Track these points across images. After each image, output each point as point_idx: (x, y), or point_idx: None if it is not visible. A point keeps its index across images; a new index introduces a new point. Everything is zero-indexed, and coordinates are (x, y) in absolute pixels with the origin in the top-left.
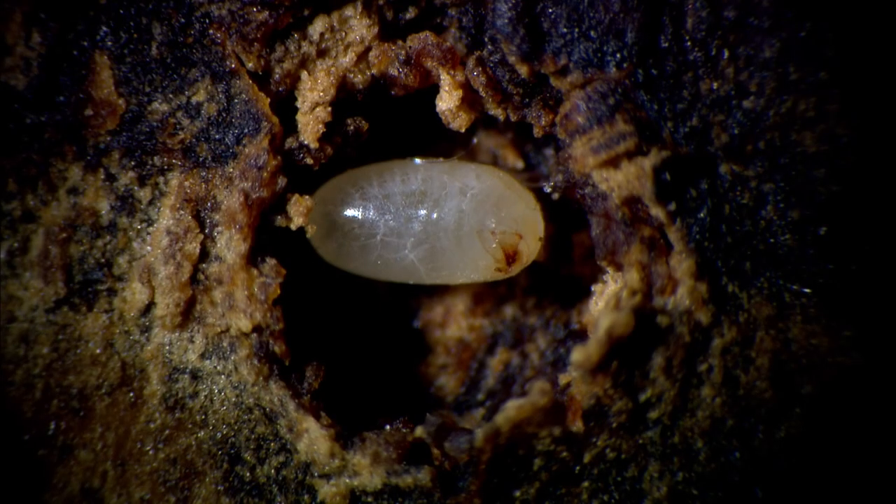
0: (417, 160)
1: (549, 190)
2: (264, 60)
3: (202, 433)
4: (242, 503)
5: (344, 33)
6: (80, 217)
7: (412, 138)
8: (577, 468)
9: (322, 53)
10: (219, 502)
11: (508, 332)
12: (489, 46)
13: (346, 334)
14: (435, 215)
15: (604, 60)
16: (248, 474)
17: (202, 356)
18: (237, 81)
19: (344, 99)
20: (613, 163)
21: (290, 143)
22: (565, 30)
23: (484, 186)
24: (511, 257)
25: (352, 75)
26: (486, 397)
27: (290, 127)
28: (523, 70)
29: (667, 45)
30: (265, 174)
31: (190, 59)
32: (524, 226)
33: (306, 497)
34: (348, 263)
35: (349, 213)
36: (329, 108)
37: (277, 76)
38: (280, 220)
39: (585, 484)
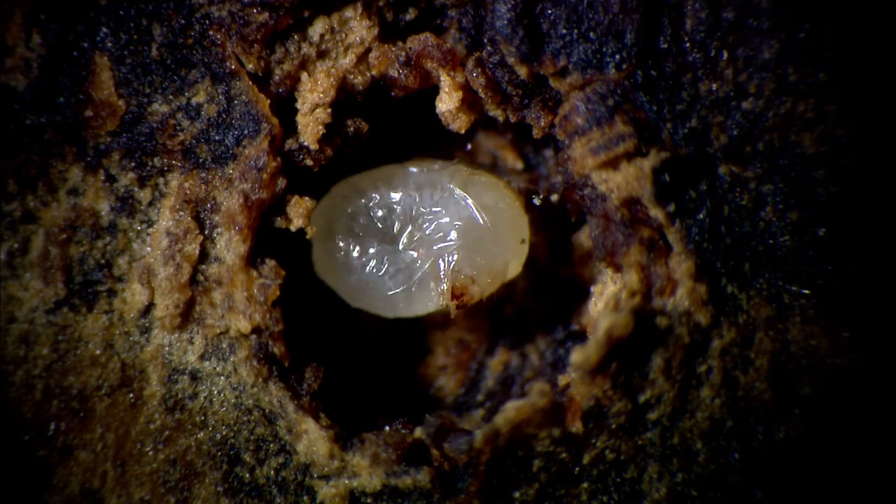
0: (413, 168)
1: (537, 203)
2: (264, 62)
3: (202, 434)
4: None
5: (344, 35)
6: (80, 218)
7: (412, 139)
8: (577, 469)
9: (322, 55)
10: (218, 503)
11: (508, 332)
12: (489, 48)
13: (346, 335)
14: (420, 250)
15: (603, 61)
16: (247, 475)
17: (202, 357)
18: (237, 83)
19: (344, 100)
20: (613, 164)
21: (290, 144)
22: (564, 31)
23: (469, 228)
24: (460, 301)
25: (352, 76)
26: (486, 398)
27: (289, 128)
28: (523, 71)
29: (666, 46)
30: (265, 175)
31: (190, 60)
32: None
33: (306, 498)
34: (338, 287)
35: (340, 240)
36: (329, 110)
37: (277, 77)
38: (280, 222)
39: (585, 485)
